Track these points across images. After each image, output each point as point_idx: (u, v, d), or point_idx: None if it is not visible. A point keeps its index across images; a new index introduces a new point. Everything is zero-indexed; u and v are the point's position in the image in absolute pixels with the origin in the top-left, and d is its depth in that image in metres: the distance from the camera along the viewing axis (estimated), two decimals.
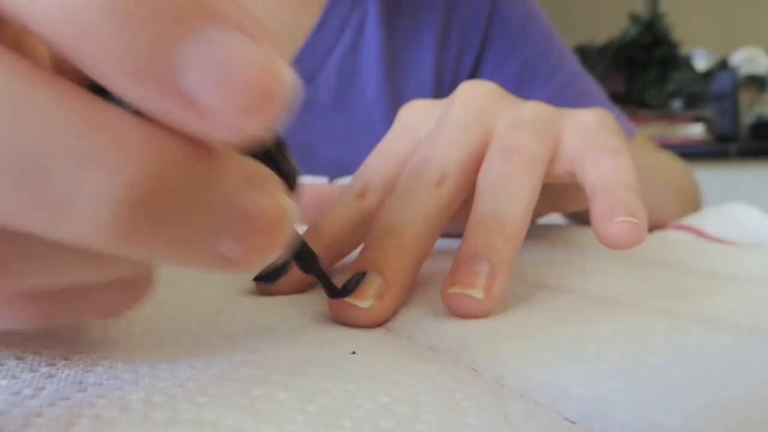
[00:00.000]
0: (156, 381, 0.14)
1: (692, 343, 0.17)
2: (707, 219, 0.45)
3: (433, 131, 0.25)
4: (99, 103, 0.10)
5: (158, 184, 0.10)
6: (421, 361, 0.16)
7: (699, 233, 0.43)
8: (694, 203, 0.58)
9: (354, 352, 0.17)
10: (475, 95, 0.26)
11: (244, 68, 0.09)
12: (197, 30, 0.09)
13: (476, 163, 0.24)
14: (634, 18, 2.29)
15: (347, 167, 0.49)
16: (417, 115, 0.28)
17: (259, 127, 0.10)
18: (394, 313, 0.21)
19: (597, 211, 0.22)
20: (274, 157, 0.15)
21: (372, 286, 0.20)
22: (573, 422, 0.14)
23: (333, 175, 0.48)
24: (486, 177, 0.23)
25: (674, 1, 2.42)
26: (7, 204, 0.09)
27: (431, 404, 0.14)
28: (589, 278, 0.27)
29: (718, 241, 0.41)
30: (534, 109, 0.26)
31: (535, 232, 0.39)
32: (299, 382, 0.14)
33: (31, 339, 0.16)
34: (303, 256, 0.19)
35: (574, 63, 0.58)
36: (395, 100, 0.52)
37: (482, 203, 0.22)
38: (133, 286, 0.13)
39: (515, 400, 0.14)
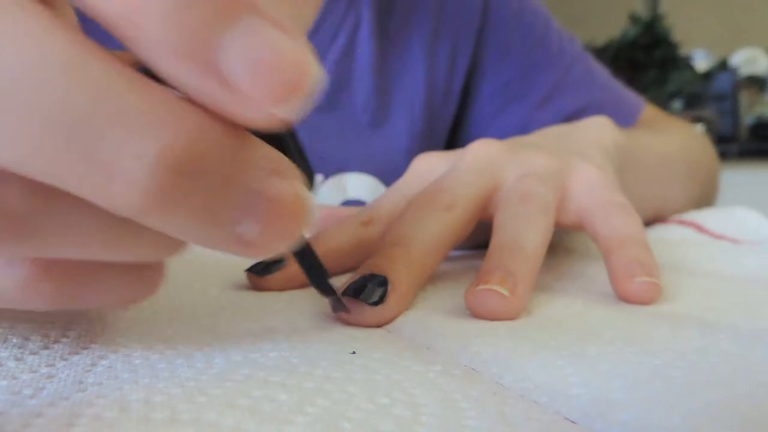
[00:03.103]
0: (156, 381, 0.14)
1: (692, 344, 0.17)
2: (708, 216, 0.45)
3: (446, 172, 0.27)
4: (142, 77, 0.11)
5: (193, 153, 0.11)
6: (422, 361, 0.16)
7: (700, 228, 0.43)
8: (709, 180, 0.56)
9: (354, 353, 0.17)
10: (486, 149, 0.28)
11: (278, 58, 0.11)
12: (239, 20, 0.10)
13: (484, 201, 0.26)
14: (634, 19, 2.29)
15: (342, 164, 0.49)
16: (431, 163, 0.30)
17: (287, 113, 0.11)
18: (397, 316, 0.21)
19: (616, 268, 0.23)
20: (294, 154, 0.15)
21: (378, 290, 0.20)
22: (573, 422, 0.14)
23: (327, 172, 0.48)
24: (505, 215, 0.24)
25: (674, 2, 2.42)
26: (58, 162, 0.10)
27: (431, 406, 0.14)
28: (590, 281, 0.27)
29: (720, 237, 0.41)
30: (542, 162, 0.28)
31: None
32: (299, 383, 0.14)
33: (30, 340, 0.16)
34: (309, 263, 0.19)
35: (574, 44, 0.57)
36: (384, 107, 0.52)
37: (503, 234, 0.24)
38: (146, 276, 0.14)
39: (515, 401, 0.14)
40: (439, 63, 0.54)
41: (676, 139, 0.53)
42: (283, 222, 0.12)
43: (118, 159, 0.10)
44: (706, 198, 0.55)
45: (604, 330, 0.19)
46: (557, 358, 0.16)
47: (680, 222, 0.45)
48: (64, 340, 0.17)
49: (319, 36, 0.50)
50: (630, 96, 0.58)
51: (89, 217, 0.12)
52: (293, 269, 0.24)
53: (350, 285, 0.21)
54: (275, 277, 0.24)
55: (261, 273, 0.24)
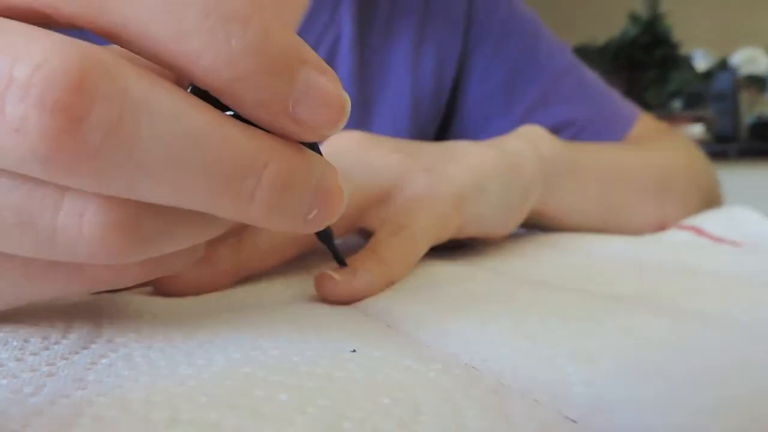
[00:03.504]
0: (156, 379, 0.14)
1: (694, 341, 0.17)
2: (707, 219, 0.45)
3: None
4: (247, 125, 0.15)
5: (289, 171, 0.15)
6: (422, 360, 0.16)
7: (699, 232, 0.43)
8: (691, 196, 0.53)
9: (354, 351, 0.17)
10: None
11: (327, 97, 0.15)
12: (298, 73, 0.15)
13: None
14: (634, 18, 2.29)
15: None
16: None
17: (333, 132, 0.16)
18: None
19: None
20: (319, 152, 0.19)
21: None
22: (574, 421, 0.13)
23: None
24: None
25: (674, 1, 2.42)
26: (209, 198, 0.14)
27: (431, 405, 0.14)
28: (591, 279, 0.27)
29: (719, 240, 0.41)
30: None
31: (537, 237, 0.39)
32: (300, 383, 0.14)
33: (30, 342, 0.16)
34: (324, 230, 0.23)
35: (565, 55, 0.56)
36: (365, 119, 0.52)
37: None
38: (194, 250, 0.18)
39: (516, 400, 0.14)
40: (424, 74, 0.53)
41: (654, 155, 0.51)
42: (335, 206, 0.17)
43: (249, 188, 0.15)
44: (687, 213, 0.53)
45: (604, 325, 0.19)
46: (558, 357, 0.16)
47: (679, 227, 0.45)
48: (64, 341, 0.17)
49: None
50: (623, 108, 0.57)
51: (194, 226, 0.16)
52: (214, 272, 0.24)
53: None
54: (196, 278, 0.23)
55: None
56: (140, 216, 0.14)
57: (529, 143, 0.35)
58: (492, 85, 0.54)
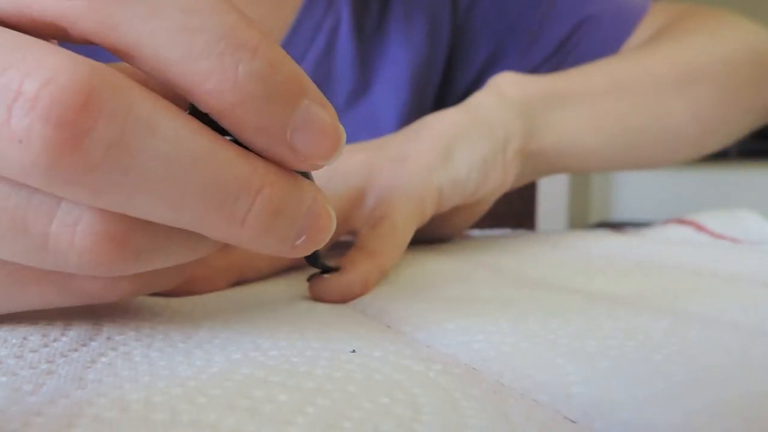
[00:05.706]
0: (156, 380, 0.14)
1: (693, 340, 0.17)
2: (709, 216, 0.45)
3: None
4: (242, 149, 0.15)
5: (279, 198, 0.16)
6: (422, 359, 0.16)
7: (700, 228, 0.43)
8: (725, 81, 0.46)
9: (354, 351, 0.17)
10: None
11: (324, 130, 0.16)
12: (300, 103, 0.15)
13: None
14: None
15: None
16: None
17: (327, 164, 0.16)
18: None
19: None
20: (311, 177, 0.19)
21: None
22: (573, 421, 0.13)
23: None
24: None
25: (674, 2, 2.42)
26: (203, 217, 0.15)
27: (431, 405, 0.14)
28: (591, 279, 0.27)
29: (719, 237, 0.41)
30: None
31: (537, 237, 0.39)
32: (300, 383, 0.14)
33: (29, 340, 0.16)
34: None
35: None
36: (367, 105, 0.52)
37: None
38: (182, 268, 0.18)
39: (515, 400, 0.14)
40: (418, 42, 0.53)
41: (676, 46, 0.45)
42: (322, 233, 0.17)
43: (241, 211, 0.15)
44: (736, 104, 0.47)
45: (604, 324, 0.19)
46: (557, 356, 0.16)
47: (680, 221, 0.45)
48: (64, 339, 0.17)
49: (298, 37, 0.50)
50: (631, 2, 0.53)
51: (185, 244, 0.16)
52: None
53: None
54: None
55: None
56: (132, 230, 0.15)
57: (491, 92, 0.35)
58: (497, 36, 0.54)
